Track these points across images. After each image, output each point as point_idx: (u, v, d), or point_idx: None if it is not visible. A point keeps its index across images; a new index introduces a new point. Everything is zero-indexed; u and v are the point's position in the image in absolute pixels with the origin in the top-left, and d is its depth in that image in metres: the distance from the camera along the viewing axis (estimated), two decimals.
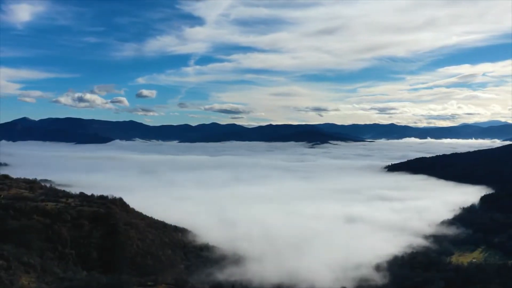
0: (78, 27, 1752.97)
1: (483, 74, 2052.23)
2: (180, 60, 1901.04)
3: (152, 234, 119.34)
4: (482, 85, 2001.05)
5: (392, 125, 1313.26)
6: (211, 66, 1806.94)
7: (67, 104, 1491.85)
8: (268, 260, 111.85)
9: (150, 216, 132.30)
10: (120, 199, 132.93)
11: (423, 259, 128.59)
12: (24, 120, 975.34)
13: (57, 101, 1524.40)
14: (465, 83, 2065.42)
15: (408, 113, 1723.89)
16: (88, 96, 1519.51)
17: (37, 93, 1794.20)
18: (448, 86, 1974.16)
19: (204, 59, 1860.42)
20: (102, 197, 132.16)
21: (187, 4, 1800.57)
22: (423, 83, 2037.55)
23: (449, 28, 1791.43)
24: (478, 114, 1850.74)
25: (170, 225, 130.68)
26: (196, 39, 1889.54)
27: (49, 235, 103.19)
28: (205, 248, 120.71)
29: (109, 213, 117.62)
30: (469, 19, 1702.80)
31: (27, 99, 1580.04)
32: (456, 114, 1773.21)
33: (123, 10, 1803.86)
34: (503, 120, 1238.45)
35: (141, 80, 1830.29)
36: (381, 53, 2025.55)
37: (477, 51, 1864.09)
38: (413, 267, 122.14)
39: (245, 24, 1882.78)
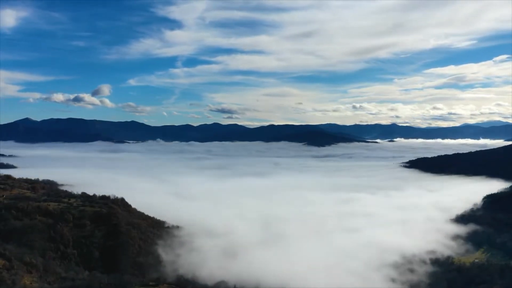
0: (63, 31, 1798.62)
1: (469, 75, 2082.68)
2: (167, 62, 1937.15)
3: (154, 234, 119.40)
4: (470, 86, 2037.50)
5: (393, 125, 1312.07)
6: (199, 68, 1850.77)
7: (67, 105, 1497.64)
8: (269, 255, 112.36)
9: (152, 216, 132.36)
10: (122, 199, 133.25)
11: (427, 259, 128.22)
12: (26, 120, 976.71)
13: (56, 102, 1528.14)
14: (454, 84, 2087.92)
15: (403, 113, 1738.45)
16: (85, 97, 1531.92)
17: (36, 94, 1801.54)
18: (438, 87, 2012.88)
19: (191, 61, 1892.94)
20: (104, 197, 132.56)
21: (160, 8, 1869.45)
22: (412, 84, 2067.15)
23: (424, 30, 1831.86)
24: (473, 114, 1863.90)
25: (172, 225, 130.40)
26: (179, 42, 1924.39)
27: (51, 235, 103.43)
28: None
29: (111, 213, 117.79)
30: (441, 21, 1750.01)
31: (28, 100, 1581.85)
32: (451, 114, 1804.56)
33: (103, 14, 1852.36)
34: (504, 120, 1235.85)
35: (132, 82, 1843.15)
36: (365, 56, 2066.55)
37: (458, 53, 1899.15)
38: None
39: (223, 26, 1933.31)
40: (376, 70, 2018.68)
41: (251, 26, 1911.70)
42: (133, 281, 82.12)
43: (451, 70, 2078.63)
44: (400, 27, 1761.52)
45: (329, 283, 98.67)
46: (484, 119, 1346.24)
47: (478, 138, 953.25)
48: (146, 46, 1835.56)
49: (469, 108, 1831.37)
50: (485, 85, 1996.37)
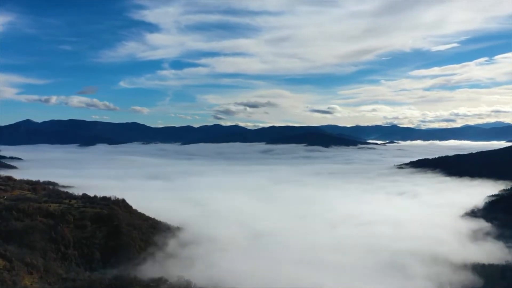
0: (49, 36, 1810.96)
1: (454, 77, 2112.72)
2: (154, 65, 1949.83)
3: (155, 235, 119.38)
4: (458, 87, 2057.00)
5: (394, 126, 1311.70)
6: (187, 70, 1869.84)
7: (66, 107, 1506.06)
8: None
9: (152, 217, 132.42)
10: (123, 200, 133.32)
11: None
12: (27, 122, 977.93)
13: (55, 104, 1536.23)
14: (442, 85, 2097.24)
15: (397, 115, 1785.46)
16: (80, 99, 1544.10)
17: (34, 97, 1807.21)
18: (426, 89, 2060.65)
19: (177, 64, 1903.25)
20: (104, 198, 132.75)
21: (134, 11, 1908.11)
22: (400, 86, 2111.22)
23: (399, 34, 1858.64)
24: (466, 115, 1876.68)
25: (172, 226, 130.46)
26: (162, 45, 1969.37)
27: (52, 236, 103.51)
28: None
29: (112, 214, 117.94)
30: (415, 24, 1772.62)
31: (27, 102, 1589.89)
32: (445, 115, 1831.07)
33: (83, 19, 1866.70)
34: (504, 121, 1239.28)
35: (123, 84, 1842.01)
36: (350, 59, 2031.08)
37: (438, 55, 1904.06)
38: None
39: (200, 29, 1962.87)
40: (363, 73, 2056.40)
41: (227, 29, 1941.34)
42: (134, 282, 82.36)
43: (435, 71, 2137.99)
44: (374, 31, 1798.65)
45: None
46: (479, 120, 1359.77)
47: (479, 140, 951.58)
48: (131, 49, 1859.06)
49: (462, 110, 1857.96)
50: (472, 86, 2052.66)
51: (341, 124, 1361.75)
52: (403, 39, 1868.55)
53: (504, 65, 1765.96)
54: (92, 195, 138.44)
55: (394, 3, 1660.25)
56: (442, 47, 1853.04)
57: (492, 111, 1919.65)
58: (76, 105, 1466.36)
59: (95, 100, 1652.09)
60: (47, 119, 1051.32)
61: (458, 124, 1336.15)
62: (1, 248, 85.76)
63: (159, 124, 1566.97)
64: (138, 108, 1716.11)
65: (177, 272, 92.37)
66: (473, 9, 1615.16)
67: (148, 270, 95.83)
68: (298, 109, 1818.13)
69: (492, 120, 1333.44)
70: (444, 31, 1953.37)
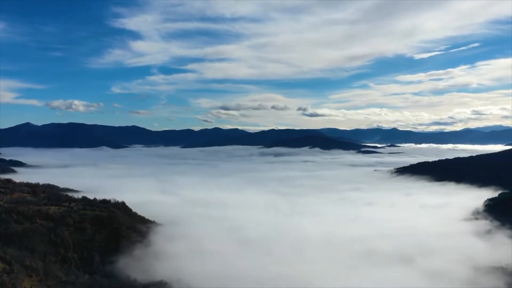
0: (39, 43, 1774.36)
1: (441, 82, 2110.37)
2: (143, 71, 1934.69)
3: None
4: (447, 91, 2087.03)
5: (394, 129, 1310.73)
6: (176, 76, 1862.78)
7: (64, 111, 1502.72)
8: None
9: (153, 220, 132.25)
10: (123, 203, 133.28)
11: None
12: (27, 125, 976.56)
13: (55, 108, 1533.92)
14: (431, 90, 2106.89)
15: (392, 118, 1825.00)
16: (79, 102, 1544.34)
17: (33, 101, 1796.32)
18: (416, 94, 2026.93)
19: (165, 70, 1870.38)
20: (104, 201, 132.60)
21: (112, 20, 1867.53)
22: (390, 90, 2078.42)
23: (378, 41, 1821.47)
24: (460, 118, 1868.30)
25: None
26: (146, 52, 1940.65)
27: (51, 238, 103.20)
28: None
29: (112, 216, 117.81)
30: (390, 31, 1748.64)
31: (26, 106, 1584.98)
32: (439, 119, 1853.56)
33: (69, 27, 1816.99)
34: (505, 125, 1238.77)
35: (115, 89, 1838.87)
36: (336, 64, 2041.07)
37: (421, 62, 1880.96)
38: None
39: (182, 36, 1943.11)
40: (352, 78, 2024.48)
41: (208, 36, 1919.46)
42: (133, 285, 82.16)
43: (420, 77, 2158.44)
44: (354, 37, 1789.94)
45: None
46: (472, 123, 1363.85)
47: (479, 143, 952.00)
48: (118, 56, 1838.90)
49: (453, 113, 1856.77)
50: (460, 90, 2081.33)
51: (340, 127, 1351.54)
52: (384, 46, 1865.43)
53: (487, 71, 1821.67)
54: (91, 197, 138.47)
55: (368, 11, 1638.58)
56: (424, 55, 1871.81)
57: (482, 115, 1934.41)
58: (73, 108, 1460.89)
59: (91, 103, 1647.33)
60: (47, 122, 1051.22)
61: (457, 127, 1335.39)
62: (1, 251, 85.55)
63: (157, 128, 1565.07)
64: (134, 112, 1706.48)
65: (178, 275, 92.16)
66: (443, 19, 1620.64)
67: (148, 273, 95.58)
68: (292, 112, 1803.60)
69: (486, 124, 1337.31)
70: (423, 38, 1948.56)
